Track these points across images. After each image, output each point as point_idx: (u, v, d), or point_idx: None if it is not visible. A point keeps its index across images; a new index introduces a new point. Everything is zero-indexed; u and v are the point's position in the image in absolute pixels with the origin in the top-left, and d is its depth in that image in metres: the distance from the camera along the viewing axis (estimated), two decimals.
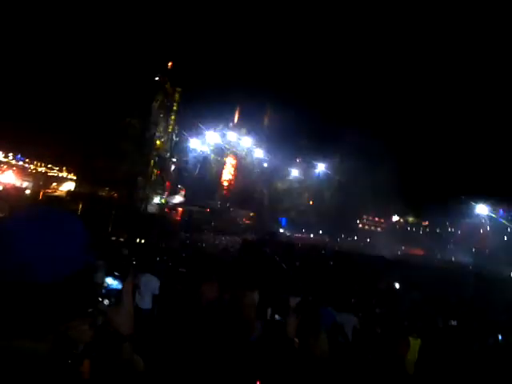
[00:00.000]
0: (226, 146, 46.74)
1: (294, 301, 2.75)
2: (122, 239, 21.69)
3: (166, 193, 42.31)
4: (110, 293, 1.25)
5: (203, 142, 44.72)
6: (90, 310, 1.08)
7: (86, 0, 46.61)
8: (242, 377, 2.32)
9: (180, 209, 42.12)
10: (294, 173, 49.46)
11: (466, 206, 44.60)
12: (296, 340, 2.50)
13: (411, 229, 57.17)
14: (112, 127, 37.82)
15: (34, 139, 40.94)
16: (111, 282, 1.29)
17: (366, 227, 58.34)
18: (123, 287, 1.32)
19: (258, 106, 47.43)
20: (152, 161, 40.60)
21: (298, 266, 18.80)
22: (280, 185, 49.30)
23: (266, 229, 43.19)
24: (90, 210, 28.55)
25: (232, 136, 46.79)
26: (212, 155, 46.40)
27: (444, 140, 52.48)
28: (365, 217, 57.98)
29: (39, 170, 48.02)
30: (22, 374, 0.83)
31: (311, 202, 50.87)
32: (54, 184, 46.30)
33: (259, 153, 47.81)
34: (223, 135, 46.04)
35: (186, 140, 43.48)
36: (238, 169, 49.12)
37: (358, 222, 57.99)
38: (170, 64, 40.90)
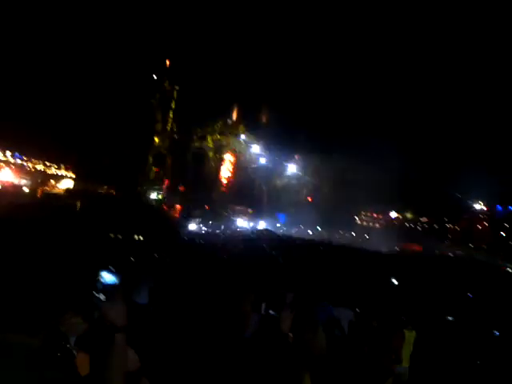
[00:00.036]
0: (224, 143, 46.75)
1: (290, 296, 2.78)
2: (120, 236, 21.69)
3: (165, 190, 42.34)
4: (106, 288, 1.28)
5: (202, 139, 44.69)
6: (84, 303, 1.11)
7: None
8: (238, 372, 2.36)
9: (178, 206, 42.16)
10: (292, 169, 49.52)
11: (463, 202, 44.74)
12: (290, 335, 2.53)
13: (409, 225, 57.29)
14: (110, 125, 37.81)
15: (32, 137, 40.87)
16: (107, 276, 1.33)
17: (365, 223, 58.46)
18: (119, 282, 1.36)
19: (257, 103, 47.44)
20: (150, 158, 40.62)
21: (294, 261, 18.85)
22: (278, 181, 49.37)
23: (263, 226, 43.27)
24: (89, 208, 28.56)
25: (230, 133, 46.79)
26: (210, 152, 46.40)
27: (442, 135, 52.55)
28: (363, 213, 58.09)
29: (37, 167, 47.95)
30: (17, 367, 0.86)
31: (309, 199, 50.95)
32: (53, 182, 46.25)
33: (257, 149, 47.83)
34: (222, 132, 46.03)
35: (185, 137, 43.48)
36: (237, 166, 49.14)
37: (356, 218, 58.10)
38: (167, 62, 40.87)
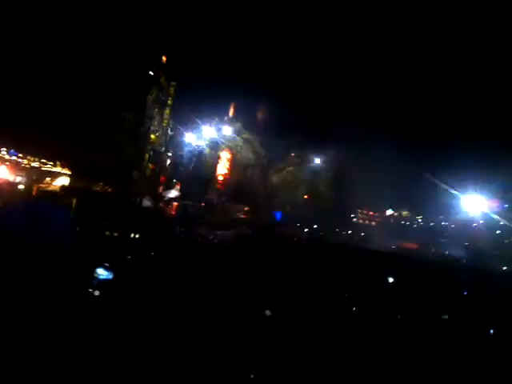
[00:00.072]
0: (221, 140, 46.71)
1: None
2: (116, 234, 21.67)
3: (161, 187, 42.28)
4: (101, 283, 1.26)
5: (198, 137, 44.63)
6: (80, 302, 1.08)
7: None
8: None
9: (175, 203, 42.13)
10: (290, 166, 49.54)
11: (459, 199, 44.88)
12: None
13: (405, 222, 57.52)
14: (106, 121, 37.67)
15: (27, 134, 40.60)
16: (102, 272, 1.30)
17: (361, 221, 58.64)
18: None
19: (254, 100, 47.30)
20: (147, 155, 40.53)
21: (292, 260, 18.90)
22: (275, 179, 49.39)
23: (261, 223, 43.27)
24: (85, 205, 28.48)
25: (227, 130, 46.74)
26: (207, 149, 46.35)
27: (437, 134, 52.64)
28: (359, 211, 58.26)
29: (32, 164, 47.71)
30: None
31: (306, 196, 51.01)
32: (48, 179, 46.05)
33: (255, 147, 47.79)
34: (218, 129, 45.98)
35: (181, 134, 43.42)
36: (233, 163, 49.13)
37: (352, 216, 58.26)
38: (164, 58, 40.71)
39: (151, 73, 39.95)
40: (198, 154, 45.35)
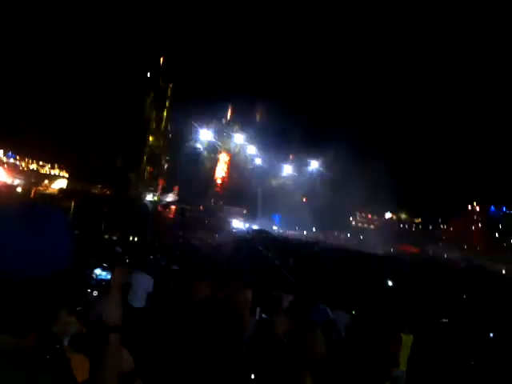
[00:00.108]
0: (219, 142, 46.64)
1: (286, 300, 2.72)
2: (114, 237, 21.58)
3: (159, 190, 42.12)
4: (99, 283, 1.23)
5: (196, 139, 44.58)
6: (79, 305, 1.06)
7: None
8: (235, 375, 2.30)
9: (173, 207, 41.96)
10: (287, 170, 49.52)
11: (457, 203, 44.92)
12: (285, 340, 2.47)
13: (404, 226, 57.54)
14: (105, 124, 37.58)
15: (25, 136, 40.52)
16: (100, 272, 1.27)
17: (359, 224, 58.62)
18: (113, 278, 1.29)
19: (251, 103, 47.41)
20: (145, 157, 40.40)
21: (291, 264, 18.86)
22: (273, 182, 49.34)
23: (258, 226, 43.20)
24: (83, 208, 28.35)
25: (225, 133, 46.67)
26: (205, 152, 46.27)
27: (436, 138, 52.82)
28: (358, 214, 58.25)
29: (31, 167, 47.53)
30: (4, 369, 0.80)
31: (304, 200, 50.98)
32: (46, 181, 45.87)
33: (252, 149, 47.79)
34: (216, 132, 45.92)
35: (179, 137, 43.31)
36: (231, 166, 49.03)
37: (351, 219, 58.25)
38: (161, 60, 40.69)
39: (149, 75, 39.93)
40: (196, 157, 45.28)
